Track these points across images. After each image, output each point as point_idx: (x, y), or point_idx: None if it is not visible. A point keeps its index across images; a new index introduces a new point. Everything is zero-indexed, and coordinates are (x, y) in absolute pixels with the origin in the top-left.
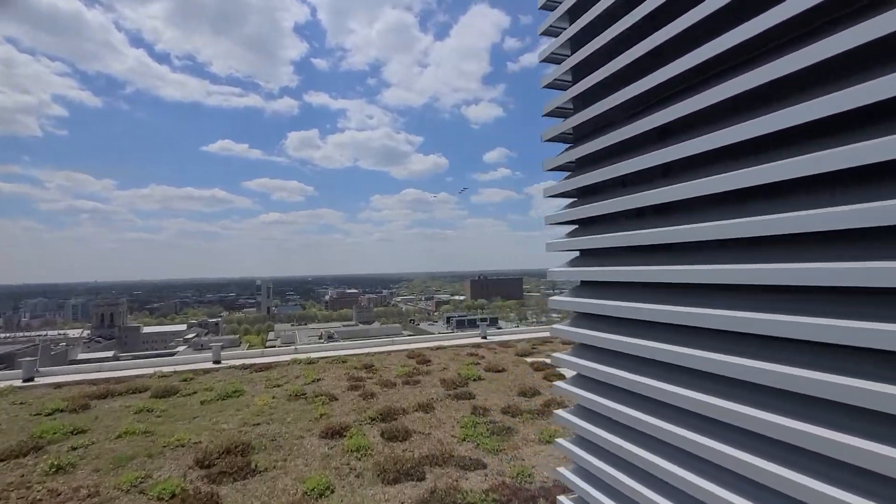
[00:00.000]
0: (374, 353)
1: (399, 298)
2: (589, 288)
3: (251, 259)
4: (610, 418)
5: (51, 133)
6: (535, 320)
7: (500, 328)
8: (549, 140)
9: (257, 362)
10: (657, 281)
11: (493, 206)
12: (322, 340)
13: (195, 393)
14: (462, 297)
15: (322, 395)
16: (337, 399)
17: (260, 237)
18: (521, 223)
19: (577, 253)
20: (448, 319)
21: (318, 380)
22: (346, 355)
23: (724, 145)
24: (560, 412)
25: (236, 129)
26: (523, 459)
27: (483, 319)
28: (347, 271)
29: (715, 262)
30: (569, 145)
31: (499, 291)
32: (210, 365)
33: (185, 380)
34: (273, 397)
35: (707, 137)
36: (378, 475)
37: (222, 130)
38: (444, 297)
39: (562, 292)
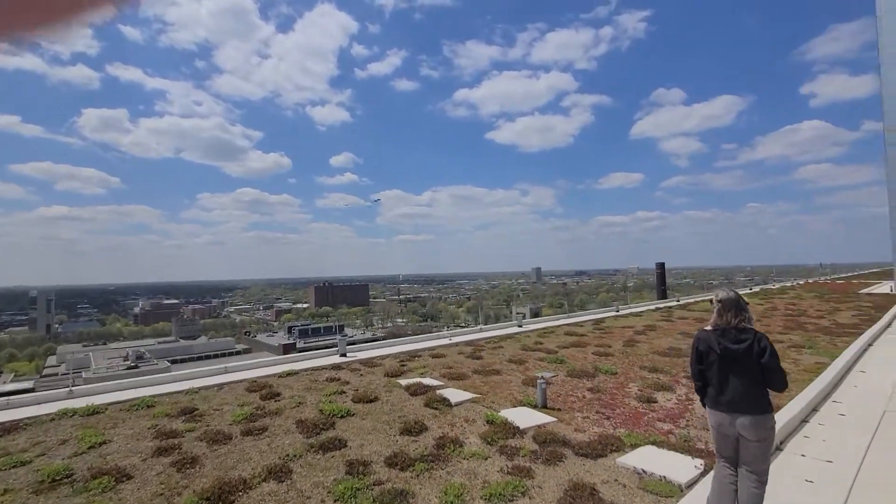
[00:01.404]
0: (199, 388)
1: (233, 308)
2: None
3: (23, 264)
4: None
5: None
6: (380, 326)
7: (351, 336)
8: None
9: None
10: None
11: (339, 211)
12: (128, 361)
13: None
14: (306, 305)
15: (105, 474)
16: (131, 477)
17: (38, 236)
18: (367, 229)
19: None
20: (290, 329)
21: (103, 443)
22: (154, 395)
23: None
24: None
25: (2, 96)
26: None
27: (335, 327)
28: (166, 278)
29: None
30: None
31: (344, 298)
32: None
33: None
34: (5, 491)
35: None
36: None
37: None
38: (286, 305)
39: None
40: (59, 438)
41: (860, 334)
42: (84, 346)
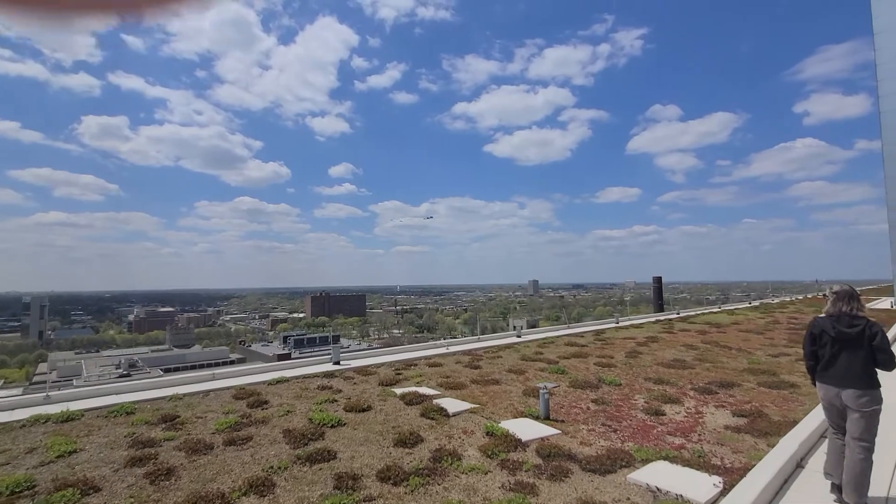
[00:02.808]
0: (184, 394)
1: (228, 317)
2: None
3: (17, 270)
4: None
5: None
6: (377, 336)
7: (346, 347)
8: None
9: None
10: None
11: (337, 221)
12: (121, 369)
13: None
14: (302, 315)
15: (70, 486)
16: (99, 489)
17: (34, 242)
18: (365, 240)
19: None
20: (285, 339)
21: (73, 452)
22: (135, 402)
23: None
24: None
25: (2, 101)
26: None
27: (330, 338)
28: (162, 286)
29: None
30: None
31: (341, 308)
32: None
33: None
34: None
35: None
36: None
37: None
38: (282, 314)
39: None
40: (27, 446)
41: None
42: (76, 353)
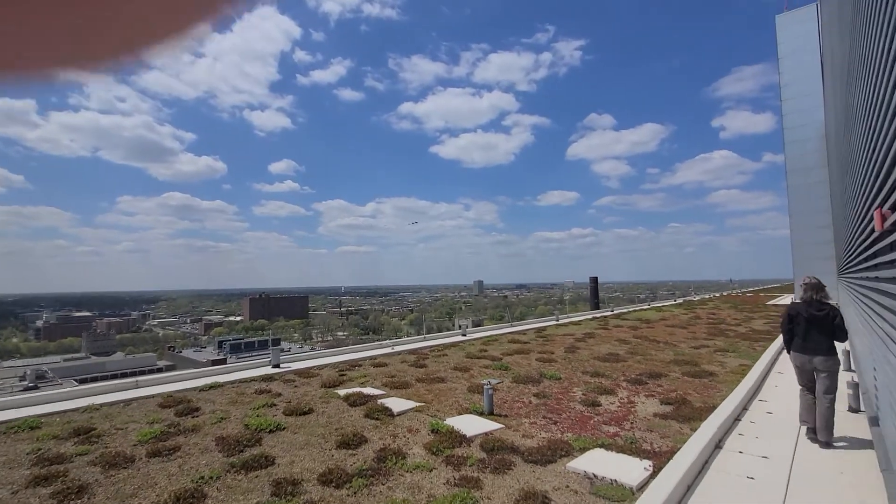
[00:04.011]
0: (101, 405)
1: (155, 321)
2: None
3: None
4: None
5: None
6: (320, 339)
7: (287, 350)
8: None
9: None
10: None
11: (277, 220)
12: (26, 381)
13: None
14: (239, 318)
15: None
16: None
17: None
18: (308, 240)
19: None
20: (220, 344)
21: None
22: (42, 415)
23: None
24: None
25: None
26: None
27: (269, 341)
28: (77, 289)
29: None
30: None
31: (282, 311)
32: None
33: None
34: None
35: None
36: None
37: None
38: (217, 317)
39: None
40: None
41: (774, 340)
42: None
